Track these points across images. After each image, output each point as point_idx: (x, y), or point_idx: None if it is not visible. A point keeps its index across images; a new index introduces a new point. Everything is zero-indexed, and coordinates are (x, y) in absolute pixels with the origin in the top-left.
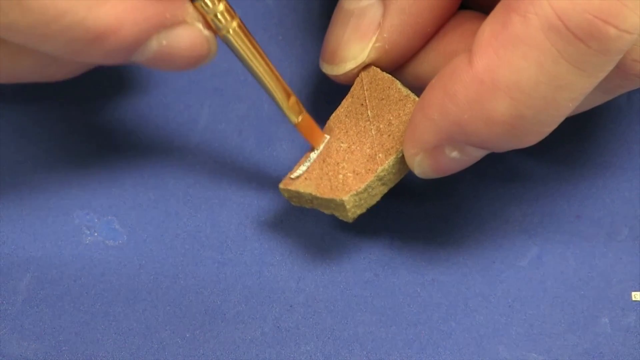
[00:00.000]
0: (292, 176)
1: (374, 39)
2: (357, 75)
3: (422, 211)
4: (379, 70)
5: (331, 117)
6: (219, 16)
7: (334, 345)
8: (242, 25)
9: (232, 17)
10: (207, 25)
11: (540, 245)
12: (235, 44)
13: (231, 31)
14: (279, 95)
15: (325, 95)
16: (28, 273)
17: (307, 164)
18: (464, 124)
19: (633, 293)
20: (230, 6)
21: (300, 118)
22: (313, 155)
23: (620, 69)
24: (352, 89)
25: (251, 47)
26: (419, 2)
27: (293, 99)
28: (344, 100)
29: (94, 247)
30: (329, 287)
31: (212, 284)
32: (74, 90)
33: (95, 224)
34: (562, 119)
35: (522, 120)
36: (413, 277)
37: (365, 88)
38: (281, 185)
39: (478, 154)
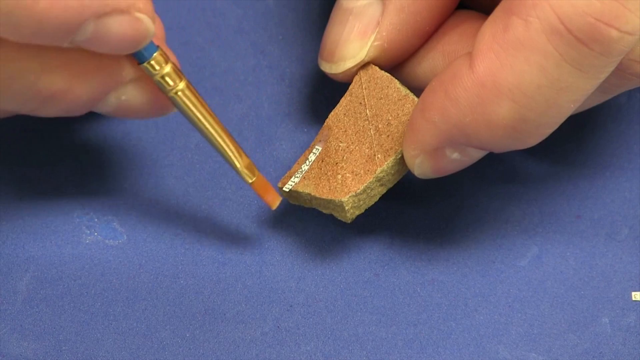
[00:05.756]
0: (292, 177)
1: (372, 37)
2: (356, 74)
3: (422, 211)
4: (377, 68)
5: (330, 116)
6: (166, 78)
7: (334, 345)
8: (190, 87)
9: (180, 79)
10: (154, 87)
11: (540, 245)
12: (183, 105)
13: (179, 93)
14: (230, 155)
15: (324, 95)
16: (28, 273)
17: (308, 163)
18: (465, 127)
19: (633, 293)
20: (177, 68)
21: (254, 178)
22: (314, 152)
23: (619, 69)
24: (350, 88)
25: (201, 108)
26: (418, 1)
27: (246, 158)
28: (343, 98)
29: (94, 247)
30: (329, 287)
31: (212, 284)
32: None
33: (95, 224)
34: (563, 120)
35: (524, 122)
36: (413, 277)
37: (364, 87)
38: (280, 185)
39: (478, 155)
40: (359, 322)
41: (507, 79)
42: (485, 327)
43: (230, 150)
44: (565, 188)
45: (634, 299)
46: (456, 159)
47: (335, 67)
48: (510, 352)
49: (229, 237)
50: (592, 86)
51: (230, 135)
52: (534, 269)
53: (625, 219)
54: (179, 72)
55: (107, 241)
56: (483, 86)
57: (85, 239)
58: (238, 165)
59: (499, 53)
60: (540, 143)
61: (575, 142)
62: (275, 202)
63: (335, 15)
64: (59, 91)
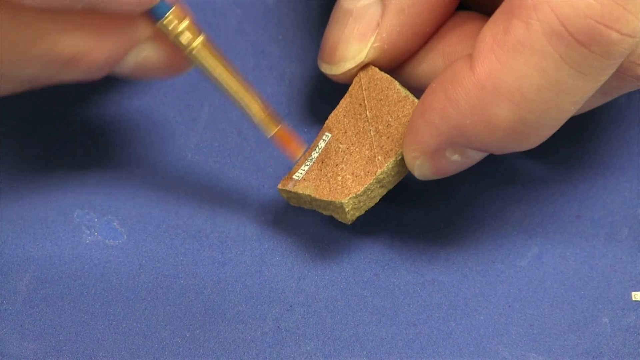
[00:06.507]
0: (293, 177)
1: (372, 38)
2: (356, 75)
3: (422, 211)
4: (377, 70)
5: (329, 117)
6: (183, 35)
7: (334, 345)
8: (208, 43)
9: (197, 35)
10: (171, 44)
11: (540, 245)
12: (200, 61)
13: (195, 50)
14: (252, 109)
15: (324, 95)
16: (28, 273)
17: (308, 164)
18: (465, 129)
19: (633, 293)
20: (194, 25)
21: (276, 130)
22: (314, 155)
23: (620, 71)
24: (350, 89)
25: (218, 63)
26: (417, 2)
27: (269, 112)
28: (342, 99)
29: (94, 247)
30: (329, 287)
31: (212, 284)
32: (74, 90)
33: (95, 224)
34: (563, 122)
35: (524, 124)
36: (413, 277)
37: (363, 88)
38: (280, 186)
39: (478, 157)
40: (359, 322)
41: (507, 80)
42: (485, 327)
43: (252, 103)
44: (565, 188)
45: (634, 299)
46: (456, 161)
47: (335, 69)
48: (510, 352)
49: (229, 237)
50: (593, 88)
51: (250, 88)
52: (534, 269)
53: (625, 219)
54: (196, 29)
55: (107, 241)
56: (483, 88)
57: (85, 239)
58: (259, 118)
59: (499, 55)
60: (541, 143)
61: (575, 142)
62: (297, 153)
63: (335, 16)
64: (77, 53)
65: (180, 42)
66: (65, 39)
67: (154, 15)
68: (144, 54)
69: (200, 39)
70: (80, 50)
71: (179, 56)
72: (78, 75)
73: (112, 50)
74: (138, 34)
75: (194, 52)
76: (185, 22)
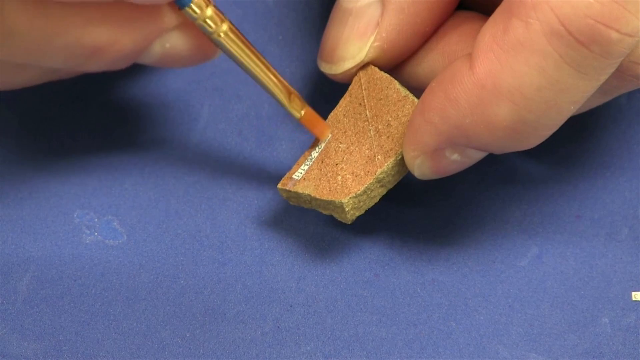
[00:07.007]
0: (293, 176)
1: (372, 38)
2: (356, 75)
3: (422, 211)
4: (377, 69)
5: (329, 117)
6: (208, 21)
7: (334, 345)
8: (234, 28)
9: (222, 21)
10: (197, 32)
11: (540, 245)
12: (228, 46)
13: (222, 34)
14: (277, 93)
15: (324, 95)
16: (28, 273)
17: (308, 163)
18: (465, 128)
19: (633, 293)
20: (219, 10)
21: (302, 112)
22: (314, 154)
23: (619, 71)
24: (350, 88)
25: (245, 48)
26: (417, 2)
27: (294, 94)
28: (342, 99)
29: (94, 247)
30: (329, 287)
31: (212, 284)
32: (74, 90)
33: (95, 224)
34: (563, 121)
35: (524, 124)
36: (413, 277)
37: (363, 87)
38: (280, 186)
39: (478, 156)
40: (359, 322)
41: (507, 80)
42: (485, 327)
43: (277, 87)
44: (565, 188)
45: (634, 299)
46: (456, 160)
47: (335, 68)
48: (510, 352)
49: (229, 237)
50: (592, 88)
51: (276, 73)
52: (534, 269)
53: (625, 219)
54: (221, 15)
55: (107, 241)
56: (483, 87)
57: (85, 239)
58: (285, 101)
59: (499, 54)
60: (541, 143)
61: (575, 142)
62: (324, 133)
63: (335, 16)
64: (103, 44)
65: (206, 28)
66: (91, 31)
67: (179, 2)
68: (170, 42)
69: (226, 24)
70: (106, 41)
71: (205, 44)
72: (104, 65)
73: (137, 40)
74: (164, 23)
75: (221, 37)
76: (210, 8)
